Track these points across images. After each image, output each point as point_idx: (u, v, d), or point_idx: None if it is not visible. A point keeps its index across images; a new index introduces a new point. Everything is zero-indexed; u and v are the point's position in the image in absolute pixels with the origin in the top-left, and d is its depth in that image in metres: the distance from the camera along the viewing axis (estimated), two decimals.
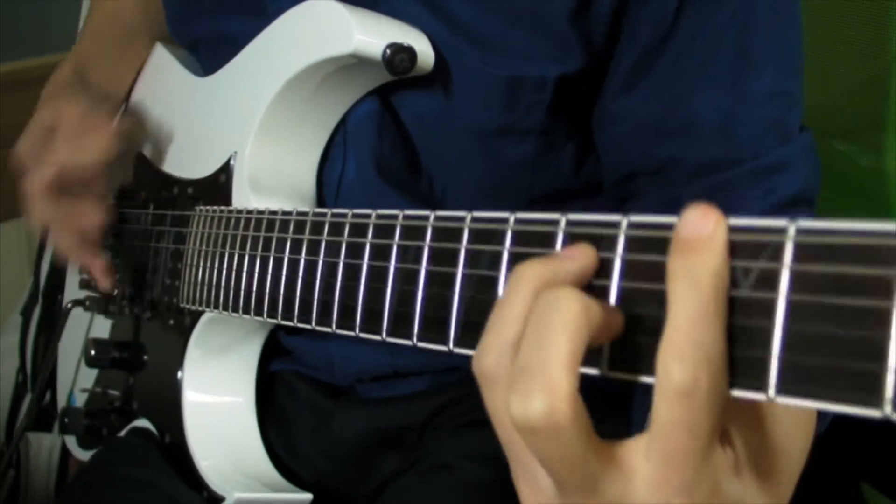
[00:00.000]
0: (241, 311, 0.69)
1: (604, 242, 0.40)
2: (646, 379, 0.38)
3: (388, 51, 0.64)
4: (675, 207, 0.38)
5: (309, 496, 0.76)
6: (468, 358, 0.80)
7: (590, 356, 0.39)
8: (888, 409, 0.31)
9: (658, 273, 0.38)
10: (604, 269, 0.40)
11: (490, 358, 0.40)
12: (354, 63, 0.67)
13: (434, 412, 0.82)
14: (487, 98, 0.70)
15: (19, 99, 0.94)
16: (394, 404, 0.83)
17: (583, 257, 0.40)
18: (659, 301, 0.38)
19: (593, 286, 0.40)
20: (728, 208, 0.36)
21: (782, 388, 0.34)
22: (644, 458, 0.37)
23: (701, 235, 0.36)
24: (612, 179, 0.76)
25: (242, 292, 0.69)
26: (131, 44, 0.97)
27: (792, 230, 0.34)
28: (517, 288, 0.39)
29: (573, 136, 0.76)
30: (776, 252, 0.35)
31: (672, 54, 0.67)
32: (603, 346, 0.39)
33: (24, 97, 0.93)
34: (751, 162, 0.68)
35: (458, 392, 0.82)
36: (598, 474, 0.38)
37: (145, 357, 0.87)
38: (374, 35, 0.65)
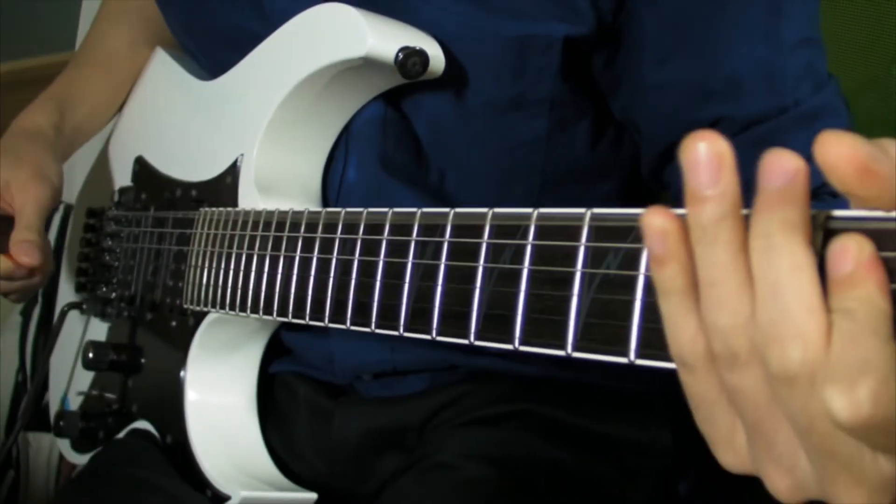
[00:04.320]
0: (248, 311, 0.69)
1: None
2: None
3: (401, 54, 0.65)
4: None
5: (314, 496, 0.76)
6: (467, 356, 0.81)
7: None
8: None
9: None
10: None
11: (727, 319, 0.35)
12: (362, 65, 0.68)
13: (433, 412, 0.83)
14: (497, 67, 0.70)
15: (19, 99, 0.94)
16: (393, 404, 0.83)
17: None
18: None
19: None
20: None
21: None
22: None
23: None
24: (655, 154, 0.76)
25: (251, 292, 0.69)
26: (115, 65, 0.98)
27: None
28: (714, 243, 0.36)
29: (586, 113, 0.77)
30: None
31: (705, 15, 0.68)
32: None
33: (24, 97, 0.93)
34: (792, 109, 0.70)
35: (458, 391, 0.83)
36: None
37: (143, 359, 0.87)
38: (387, 39, 0.66)
